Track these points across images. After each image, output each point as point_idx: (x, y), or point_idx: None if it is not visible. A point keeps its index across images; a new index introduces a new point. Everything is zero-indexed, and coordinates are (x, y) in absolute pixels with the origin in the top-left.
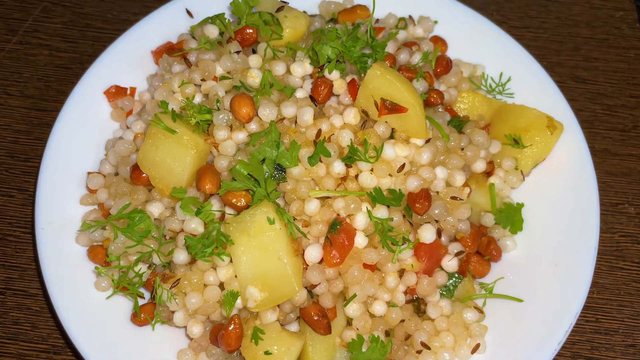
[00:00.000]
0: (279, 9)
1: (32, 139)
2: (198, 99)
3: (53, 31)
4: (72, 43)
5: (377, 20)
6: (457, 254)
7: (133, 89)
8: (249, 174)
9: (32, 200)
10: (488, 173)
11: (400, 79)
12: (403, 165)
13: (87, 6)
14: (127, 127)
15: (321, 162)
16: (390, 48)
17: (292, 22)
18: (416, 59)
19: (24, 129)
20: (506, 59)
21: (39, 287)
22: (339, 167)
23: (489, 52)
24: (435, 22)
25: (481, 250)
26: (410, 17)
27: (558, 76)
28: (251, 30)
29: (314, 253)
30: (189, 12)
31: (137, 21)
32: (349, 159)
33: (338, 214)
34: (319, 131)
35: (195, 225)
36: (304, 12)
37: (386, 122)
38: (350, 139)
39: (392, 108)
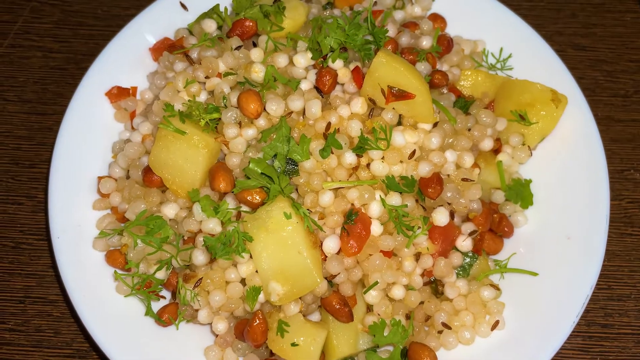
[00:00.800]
0: (276, 0)
1: (35, 144)
2: (203, 96)
3: (44, 32)
4: (65, 43)
5: (376, 3)
6: (470, 234)
7: (134, 89)
8: (262, 172)
9: (42, 207)
10: (496, 150)
11: (406, 65)
12: (414, 152)
13: (77, 4)
14: (134, 129)
15: (332, 153)
16: (390, 31)
17: (291, 13)
18: (420, 43)
19: (26, 135)
20: (505, 32)
21: (58, 292)
22: (350, 158)
23: (487, 26)
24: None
25: (493, 227)
26: None
27: (557, 45)
28: (251, 23)
29: (331, 244)
30: (183, 5)
31: (128, 16)
32: (360, 149)
33: (352, 204)
34: (329, 124)
35: (213, 225)
36: None
37: (393, 108)
38: (360, 129)
39: (399, 95)
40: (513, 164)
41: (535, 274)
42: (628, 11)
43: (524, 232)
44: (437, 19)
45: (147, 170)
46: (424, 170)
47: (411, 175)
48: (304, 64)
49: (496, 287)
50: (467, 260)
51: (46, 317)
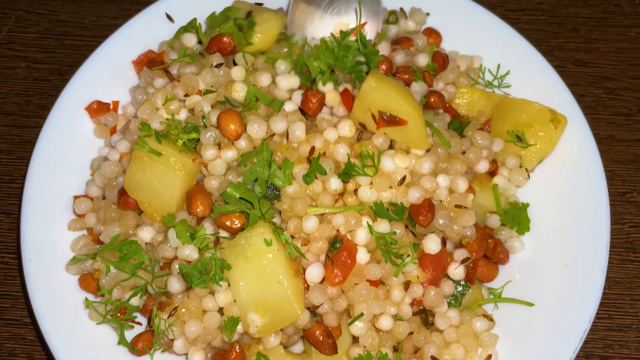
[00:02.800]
0: (248, 14)
1: (15, 159)
2: (183, 114)
3: (29, 41)
4: (50, 53)
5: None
6: (463, 261)
7: (116, 103)
8: (241, 197)
9: (18, 225)
10: (491, 173)
11: (397, 90)
12: (404, 178)
13: (63, 13)
14: (112, 146)
15: (317, 178)
16: (384, 49)
17: (262, 27)
18: (416, 60)
19: (6, 148)
20: (503, 48)
21: (32, 315)
22: (335, 184)
23: (484, 41)
24: (427, 14)
25: (488, 253)
26: (401, 9)
27: (558, 60)
28: (228, 39)
29: (315, 273)
30: (169, 17)
31: (116, 26)
32: (346, 174)
33: (338, 231)
34: (313, 148)
35: (190, 252)
36: (280, 9)
37: (385, 133)
38: (347, 154)
39: (390, 121)
40: (510, 187)
41: (531, 304)
42: (632, 26)
43: (520, 258)
44: (432, 34)
45: (122, 192)
46: (414, 196)
47: (401, 202)
48: (286, 86)
49: (490, 318)
50: (459, 288)
51: (20, 340)
